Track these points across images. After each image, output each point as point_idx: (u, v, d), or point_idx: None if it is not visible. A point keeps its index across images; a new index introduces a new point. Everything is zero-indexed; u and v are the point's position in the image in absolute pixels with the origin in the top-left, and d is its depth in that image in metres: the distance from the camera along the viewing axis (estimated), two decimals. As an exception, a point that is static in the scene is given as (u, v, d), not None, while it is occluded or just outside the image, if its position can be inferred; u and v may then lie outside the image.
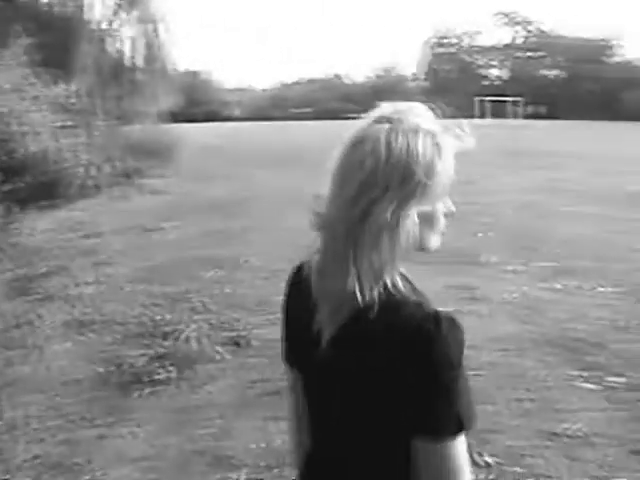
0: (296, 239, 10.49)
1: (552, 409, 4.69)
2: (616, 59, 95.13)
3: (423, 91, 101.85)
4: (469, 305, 7.14)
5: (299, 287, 1.49)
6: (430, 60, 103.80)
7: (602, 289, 7.66)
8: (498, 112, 69.64)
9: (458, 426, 1.26)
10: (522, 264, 8.89)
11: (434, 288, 7.86)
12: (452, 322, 1.30)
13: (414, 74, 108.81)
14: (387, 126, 1.29)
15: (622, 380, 5.12)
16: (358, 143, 1.29)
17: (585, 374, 5.27)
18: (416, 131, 1.29)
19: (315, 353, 1.37)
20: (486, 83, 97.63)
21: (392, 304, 1.29)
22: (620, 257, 9.19)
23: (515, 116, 68.59)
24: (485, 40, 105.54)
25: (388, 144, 1.26)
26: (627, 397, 4.85)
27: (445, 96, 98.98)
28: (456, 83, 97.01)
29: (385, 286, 1.30)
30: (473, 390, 1.32)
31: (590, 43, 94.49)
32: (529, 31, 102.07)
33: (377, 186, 1.25)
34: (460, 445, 1.26)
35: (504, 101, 69.77)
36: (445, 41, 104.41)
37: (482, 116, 63.62)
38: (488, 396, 4.85)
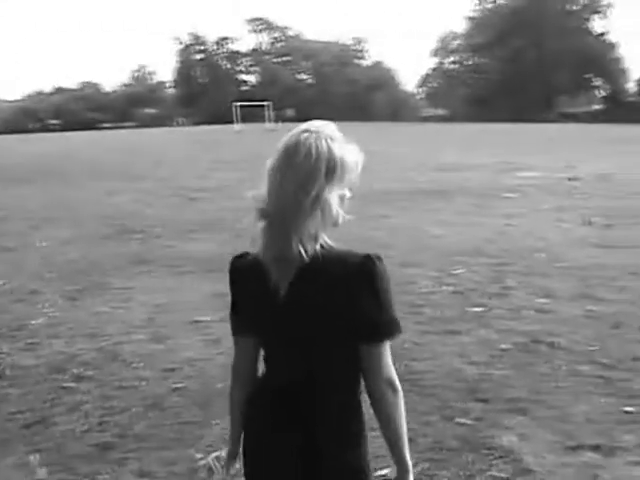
0: (50, 256, 10.50)
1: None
2: (366, 61, 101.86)
3: (180, 98, 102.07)
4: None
5: (242, 271, 2.11)
6: (185, 66, 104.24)
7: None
8: (249, 116, 72.54)
9: (391, 332, 1.95)
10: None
11: (196, 297, 8.05)
12: (380, 258, 1.96)
13: (171, 81, 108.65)
14: (313, 135, 1.90)
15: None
16: (292, 147, 1.89)
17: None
18: (332, 138, 1.92)
19: (273, 307, 1.99)
20: (244, 88, 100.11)
21: (330, 255, 1.93)
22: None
23: (267, 120, 71.39)
24: (238, 46, 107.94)
25: (316, 147, 1.87)
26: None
27: (202, 102, 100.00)
28: (212, 89, 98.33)
29: (322, 245, 1.93)
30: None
31: (339, 46, 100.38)
32: (277, 37, 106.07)
33: (310, 177, 1.86)
34: (389, 346, 1.96)
35: (256, 106, 72.33)
36: (199, 47, 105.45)
37: (238, 121, 65.70)
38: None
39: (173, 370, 5.85)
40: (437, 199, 15.74)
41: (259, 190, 1.94)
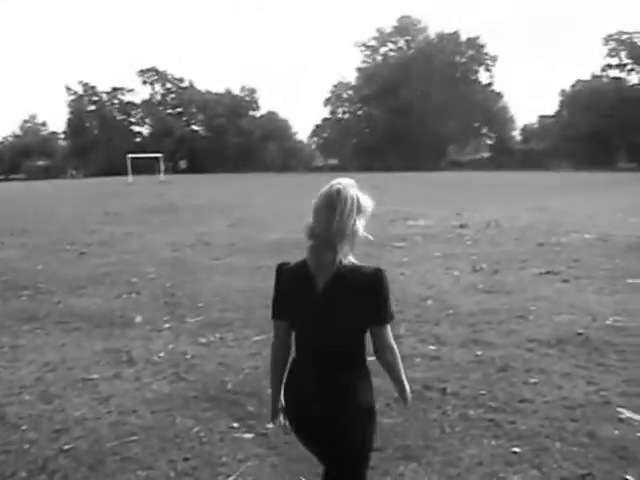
0: None
1: (217, 464, 5.04)
2: (259, 112, 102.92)
3: (72, 149, 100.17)
4: (120, 368, 7.34)
5: (286, 273, 3.33)
6: (77, 117, 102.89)
7: (256, 338, 8.40)
8: (143, 168, 72.63)
9: (390, 318, 3.18)
10: (172, 321, 9.35)
11: (86, 354, 7.92)
12: (384, 271, 3.14)
13: (63, 132, 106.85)
14: (345, 187, 3.10)
15: (274, 425, 5.70)
16: (333, 195, 3.06)
17: (244, 424, 5.75)
18: (356, 188, 3.17)
19: (311, 299, 3.15)
20: (138, 140, 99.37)
21: (354, 266, 3.12)
22: (264, 305, 10.12)
23: (160, 172, 71.56)
24: (131, 97, 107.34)
25: (350, 196, 3.08)
26: (281, 441, 5.37)
27: (95, 153, 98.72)
28: (105, 140, 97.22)
29: (348, 261, 3.12)
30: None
31: (232, 97, 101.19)
32: (170, 88, 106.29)
33: (349, 215, 3.04)
34: (390, 328, 3.19)
35: (148, 157, 72.54)
36: (91, 98, 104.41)
37: (130, 173, 65.69)
38: (147, 462, 5.10)
39: (62, 431, 5.76)
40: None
41: (308, 221, 3.11)
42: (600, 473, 4.77)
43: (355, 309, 3.09)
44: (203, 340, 8.40)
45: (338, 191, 3.05)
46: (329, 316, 3.14)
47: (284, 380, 3.47)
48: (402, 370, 3.51)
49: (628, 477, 4.69)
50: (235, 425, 5.76)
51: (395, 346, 3.31)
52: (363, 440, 3.41)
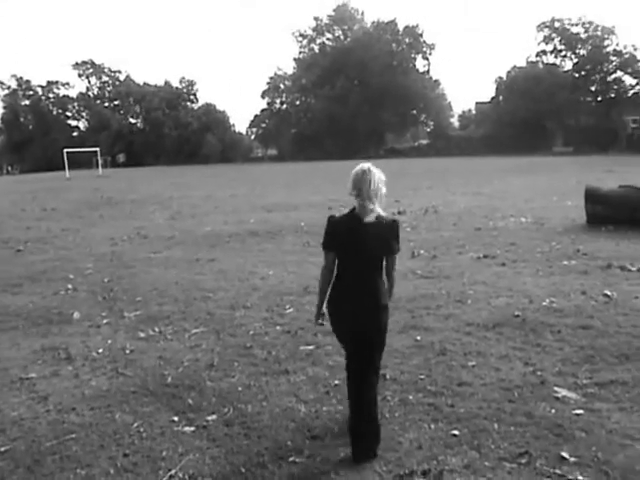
0: None
1: (158, 459, 5.00)
2: (196, 104, 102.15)
3: (8, 145, 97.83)
4: (58, 366, 7.24)
5: (336, 220, 4.95)
6: (11, 112, 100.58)
7: (195, 330, 8.34)
8: (81, 163, 71.49)
9: (398, 251, 4.99)
10: (110, 317, 9.24)
11: (23, 353, 7.78)
12: (398, 220, 5.05)
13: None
14: (367, 166, 4.93)
15: (214, 417, 5.69)
16: (366, 171, 4.88)
17: (184, 418, 5.72)
18: (376, 170, 4.95)
19: (357, 240, 4.85)
20: (75, 134, 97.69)
21: (381, 216, 4.88)
22: (203, 297, 10.09)
23: (98, 166, 70.68)
24: (67, 90, 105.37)
25: (377, 172, 4.92)
26: (221, 433, 5.41)
27: (31, 148, 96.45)
28: (41, 135, 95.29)
29: (378, 212, 4.90)
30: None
31: (169, 90, 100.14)
32: (107, 81, 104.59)
33: (377, 183, 4.86)
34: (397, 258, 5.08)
35: (85, 152, 71.61)
36: (26, 92, 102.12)
37: (67, 168, 64.59)
38: (87, 460, 5.05)
39: (-2, 432, 5.65)
40: (266, 240, 16.00)
41: (349, 186, 4.92)
42: (537, 451, 4.88)
43: (381, 242, 4.93)
44: (142, 334, 8.33)
45: (368, 169, 4.92)
46: (368, 245, 4.89)
47: (328, 292, 5.10)
48: (394, 283, 5.24)
49: (564, 454, 4.81)
50: (175, 419, 5.73)
51: (396, 269, 5.22)
52: (384, 325, 5.08)
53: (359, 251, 4.87)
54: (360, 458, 4.85)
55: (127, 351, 7.64)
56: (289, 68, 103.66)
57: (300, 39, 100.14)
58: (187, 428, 5.55)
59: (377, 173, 4.87)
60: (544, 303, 9.01)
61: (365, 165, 4.91)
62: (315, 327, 7.84)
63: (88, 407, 6.06)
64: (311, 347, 7.48)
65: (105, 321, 9.03)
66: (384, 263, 4.99)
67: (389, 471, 4.68)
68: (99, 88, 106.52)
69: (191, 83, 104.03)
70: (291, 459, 4.90)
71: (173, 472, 4.82)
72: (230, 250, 14.59)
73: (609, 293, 9.39)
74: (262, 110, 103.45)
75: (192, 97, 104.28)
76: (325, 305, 5.15)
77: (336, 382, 6.37)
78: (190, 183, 42.30)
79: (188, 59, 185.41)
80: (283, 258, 13.32)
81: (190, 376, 6.73)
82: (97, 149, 73.51)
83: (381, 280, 5.00)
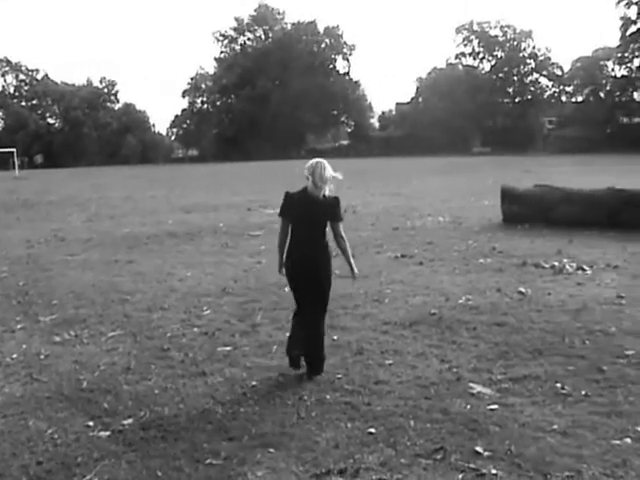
0: None
1: (73, 465, 4.89)
2: (116, 104, 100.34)
3: None
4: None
5: (297, 195, 6.61)
6: None
7: (112, 333, 8.21)
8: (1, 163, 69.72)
9: (342, 219, 6.67)
10: (25, 321, 9.02)
11: None
12: (339, 198, 6.63)
13: None
14: (319, 159, 6.61)
15: (130, 421, 5.62)
16: (320, 163, 6.51)
17: (100, 422, 5.62)
18: (326, 163, 6.57)
19: (307, 210, 6.50)
20: None
21: (328, 196, 6.54)
22: (120, 300, 9.96)
23: (14, 167, 68.96)
24: None
25: (326, 165, 6.50)
26: (137, 437, 5.35)
27: None
28: None
29: (326, 192, 6.55)
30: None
31: (89, 89, 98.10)
32: (24, 80, 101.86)
33: (325, 173, 6.44)
34: (342, 225, 6.63)
35: (2, 152, 69.88)
36: None
37: None
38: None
39: None
40: (185, 241, 15.88)
41: (305, 172, 6.50)
42: (452, 447, 4.95)
43: (325, 212, 6.54)
44: (57, 339, 8.15)
45: (320, 162, 6.52)
46: (314, 217, 6.54)
47: (285, 253, 6.69)
48: (350, 254, 6.75)
49: (478, 448, 4.89)
50: (90, 424, 5.62)
51: (345, 236, 6.62)
52: (329, 275, 6.69)
53: (308, 218, 6.55)
54: (314, 373, 6.52)
55: (42, 356, 7.47)
56: (210, 68, 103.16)
57: (221, 39, 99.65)
58: (102, 433, 5.45)
59: (326, 165, 6.50)
60: (460, 301, 9.18)
61: (318, 159, 6.65)
62: (231, 328, 7.84)
63: (1, 415, 5.90)
64: (228, 348, 7.46)
65: (20, 326, 8.81)
66: (328, 229, 6.58)
67: (306, 471, 4.68)
68: (15, 87, 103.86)
69: (111, 83, 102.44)
70: (208, 461, 4.86)
71: (88, 478, 4.72)
72: (148, 252, 14.43)
73: (523, 290, 9.63)
74: (183, 110, 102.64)
75: (112, 97, 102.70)
76: (284, 259, 6.72)
77: (253, 383, 6.37)
78: (109, 184, 41.68)
79: (108, 58, 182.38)
80: (201, 259, 13.23)
81: (106, 380, 6.63)
82: (13, 150, 71.77)
83: (324, 240, 6.59)
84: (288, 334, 6.89)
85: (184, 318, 8.83)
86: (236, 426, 5.45)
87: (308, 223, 6.54)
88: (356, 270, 6.82)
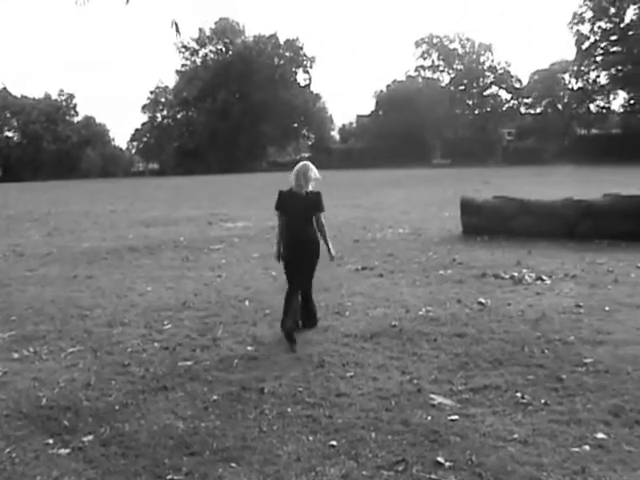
0: None
1: (29, 484, 4.87)
2: (76, 118, 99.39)
3: None
4: None
5: (286, 193, 8.40)
6: None
7: (71, 349, 8.13)
8: None
9: (323, 210, 8.43)
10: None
11: None
12: (320, 193, 8.44)
13: None
14: (305, 162, 8.68)
15: (91, 438, 5.56)
16: (305, 166, 8.45)
17: (60, 440, 5.56)
18: (310, 165, 8.56)
19: (295, 205, 8.31)
20: None
21: (311, 191, 8.36)
22: (80, 315, 9.87)
23: None
24: None
25: (311, 167, 8.43)
26: (98, 453, 5.29)
27: None
28: None
29: (309, 189, 8.39)
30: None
31: (48, 103, 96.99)
32: None
33: (313, 175, 8.35)
34: (323, 216, 8.45)
35: None
36: None
37: None
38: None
39: None
40: (145, 255, 15.77)
41: (292, 176, 8.34)
42: (413, 458, 4.98)
43: (310, 206, 8.25)
44: (16, 355, 8.04)
45: (305, 164, 8.41)
46: (303, 210, 8.25)
47: (283, 242, 8.43)
48: (328, 238, 8.47)
49: (439, 459, 4.93)
50: (50, 441, 5.56)
51: (325, 223, 8.40)
52: (316, 253, 8.37)
53: (298, 212, 8.27)
54: (311, 325, 8.62)
55: (0, 373, 7.38)
56: (171, 81, 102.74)
57: (183, 50, 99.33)
58: (62, 450, 5.39)
59: (310, 167, 8.36)
60: (420, 312, 9.24)
61: (303, 162, 8.64)
62: (192, 342, 7.84)
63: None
64: (189, 363, 7.42)
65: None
66: (314, 220, 8.30)
67: (268, 484, 4.69)
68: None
69: (70, 96, 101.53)
70: (169, 477, 4.84)
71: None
72: (108, 266, 14.31)
73: (483, 301, 9.71)
74: (143, 124, 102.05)
75: (72, 110, 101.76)
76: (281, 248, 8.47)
77: (214, 397, 6.34)
78: (69, 198, 41.30)
79: (67, 72, 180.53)
80: (162, 274, 13.16)
81: (66, 396, 6.55)
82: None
83: (313, 228, 8.32)
84: (282, 313, 8.27)
85: (144, 333, 8.77)
86: (197, 441, 5.43)
87: (298, 215, 8.29)
88: (333, 252, 8.60)
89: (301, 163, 8.60)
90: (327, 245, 8.43)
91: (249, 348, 7.88)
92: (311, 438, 5.38)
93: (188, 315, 9.54)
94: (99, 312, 9.99)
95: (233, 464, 4.99)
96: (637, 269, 11.75)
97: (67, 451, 5.38)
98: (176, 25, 7.88)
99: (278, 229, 8.54)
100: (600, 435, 5.24)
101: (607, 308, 9.11)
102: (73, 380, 7.04)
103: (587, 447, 5.05)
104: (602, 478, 4.60)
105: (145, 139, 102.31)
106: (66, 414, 6.11)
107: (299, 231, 8.31)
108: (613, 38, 73.99)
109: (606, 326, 8.24)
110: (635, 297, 9.71)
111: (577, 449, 5.02)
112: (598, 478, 4.60)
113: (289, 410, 5.97)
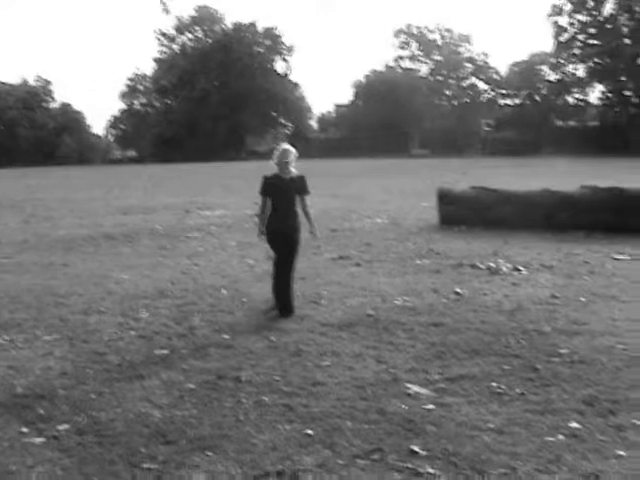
0: None
1: (5, 473, 4.79)
2: (53, 104, 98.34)
3: None
4: None
5: (271, 178, 8.75)
6: None
7: (47, 337, 8.08)
8: None
9: (309, 192, 8.90)
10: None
11: None
12: (304, 176, 8.93)
13: None
14: (287, 145, 9.01)
15: (66, 427, 5.52)
16: (287, 149, 8.81)
17: (34, 428, 5.52)
18: (291, 148, 8.95)
19: (281, 189, 8.72)
20: None
21: (294, 174, 8.77)
22: (56, 303, 9.81)
23: None
24: None
25: (291, 150, 8.79)
26: (73, 442, 5.27)
27: None
28: None
29: (292, 171, 8.79)
30: None
31: (25, 89, 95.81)
32: None
33: (294, 159, 8.76)
34: (308, 198, 8.93)
35: None
36: None
37: None
38: None
39: None
40: (122, 243, 15.69)
41: (275, 158, 8.72)
42: (389, 447, 5.00)
43: (295, 188, 8.70)
44: (-6, 342, 7.99)
45: (287, 148, 8.73)
46: (288, 192, 8.68)
47: (266, 221, 8.77)
48: (313, 219, 9.03)
49: (415, 448, 4.94)
50: (25, 430, 5.52)
51: (310, 204, 8.93)
52: (299, 238, 8.87)
53: (282, 195, 8.68)
54: (286, 314, 8.65)
55: (-30, 362, 7.31)
56: (148, 69, 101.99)
57: (161, 38, 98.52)
58: (37, 439, 5.35)
59: (291, 150, 8.72)
60: (397, 302, 9.28)
61: (285, 145, 8.94)
62: (169, 331, 7.83)
63: None
64: (166, 351, 7.41)
65: None
66: (299, 202, 8.76)
67: (244, 473, 4.67)
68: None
69: (47, 82, 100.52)
70: (145, 465, 4.82)
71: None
72: (85, 254, 14.23)
73: (460, 291, 9.77)
74: (121, 111, 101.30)
75: (48, 97, 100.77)
76: (264, 227, 8.86)
77: (191, 386, 6.34)
78: (46, 185, 40.92)
79: (44, 57, 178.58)
80: (139, 261, 13.11)
81: (41, 385, 6.51)
82: None
83: (296, 212, 8.76)
84: (272, 282, 8.97)
85: (121, 321, 8.73)
86: (173, 430, 5.41)
87: (283, 198, 8.69)
88: (318, 234, 9.29)
89: (281, 148, 8.85)
90: (312, 226, 8.98)
91: (225, 336, 7.87)
92: (287, 427, 5.38)
93: (165, 303, 9.53)
94: (75, 300, 9.94)
95: (209, 453, 4.98)
96: (613, 260, 11.86)
97: (42, 440, 5.34)
98: (163, 3, 7.80)
99: (259, 211, 8.97)
100: (574, 424, 5.29)
101: (583, 299, 9.20)
102: (49, 368, 7.00)
103: (561, 436, 5.09)
104: (576, 467, 4.63)
105: (123, 127, 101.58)
106: (41, 403, 6.07)
107: (284, 215, 8.71)
108: (591, 31, 74.24)
109: (582, 317, 8.31)
110: (610, 288, 9.81)
111: (551, 438, 5.06)
112: (572, 467, 4.63)
113: (265, 399, 5.97)
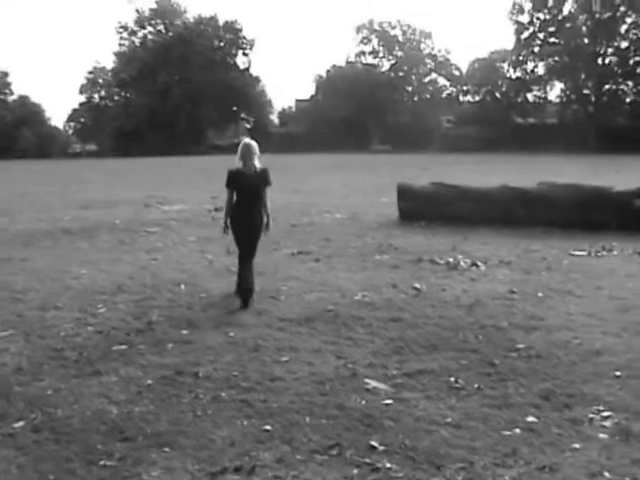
0: None
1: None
2: (11, 97, 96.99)
3: None
4: None
5: (236, 172, 9.04)
6: None
7: (3, 334, 7.94)
8: None
9: (270, 184, 9.17)
10: None
11: None
12: (268, 168, 9.21)
13: None
14: (248, 140, 9.46)
15: (22, 424, 5.46)
16: (249, 143, 9.17)
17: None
18: (253, 142, 9.28)
19: (245, 182, 9.01)
20: None
21: (258, 168, 9.05)
22: (12, 299, 9.67)
23: None
24: None
25: (253, 144, 9.14)
26: (29, 440, 5.21)
27: None
28: None
29: (256, 165, 9.05)
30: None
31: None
32: None
33: (256, 152, 9.07)
34: (269, 191, 9.23)
35: None
36: None
37: None
38: None
39: None
40: (81, 238, 15.46)
41: (238, 154, 9.04)
42: (347, 442, 5.02)
43: (259, 181, 8.97)
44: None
45: (249, 143, 9.09)
46: (252, 185, 8.99)
47: (231, 213, 9.09)
48: (270, 213, 9.25)
49: (373, 443, 4.99)
50: (-19, 428, 5.45)
51: (269, 197, 9.18)
52: (261, 226, 9.18)
53: (247, 188, 9.00)
54: (246, 303, 8.83)
55: None
56: (108, 62, 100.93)
57: (121, 31, 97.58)
58: (-11, 438, 5.29)
59: (253, 145, 9.04)
60: (356, 297, 9.30)
61: (247, 140, 9.32)
62: (127, 326, 7.76)
63: None
64: (124, 347, 7.35)
65: None
66: (262, 194, 9.01)
67: (202, 469, 4.67)
68: None
69: (5, 74, 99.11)
70: (102, 463, 4.79)
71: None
72: (43, 249, 14.03)
73: (418, 286, 9.82)
74: (81, 104, 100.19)
75: (6, 89, 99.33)
76: (229, 221, 9.12)
77: (149, 382, 6.30)
78: (4, 179, 40.29)
79: (1, 48, 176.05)
80: (97, 256, 12.95)
81: (-3, 381, 6.43)
82: None
83: (261, 203, 9.07)
84: (236, 275, 9.24)
85: (78, 317, 8.63)
86: (131, 426, 5.38)
87: (250, 192, 9.03)
88: (270, 227, 9.37)
89: (243, 143, 9.19)
90: (267, 217, 9.21)
91: (184, 332, 7.83)
92: (245, 422, 5.38)
93: (123, 299, 9.44)
94: (32, 295, 9.80)
95: (167, 449, 4.97)
96: (569, 256, 12.01)
97: (-8, 438, 5.27)
98: None
99: (226, 205, 9.23)
100: (531, 418, 5.36)
101: (540, 294, 9.31)
102: (4, 365, 6.91)
103: (518, 430, 5.16)
104: (532, 460, 4.70)
105: (82, 120, 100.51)
106: (-7, 400, 5.99)
107: (250, 208, 9.06)
108: (551, 29, 75.02)
109: (539, 312, 8.42)
110: (567, 283, 9.93)
111: (508, 432, 5.13)
112: (528, 460, 4.70)
113: (223, 394, 5.96)
